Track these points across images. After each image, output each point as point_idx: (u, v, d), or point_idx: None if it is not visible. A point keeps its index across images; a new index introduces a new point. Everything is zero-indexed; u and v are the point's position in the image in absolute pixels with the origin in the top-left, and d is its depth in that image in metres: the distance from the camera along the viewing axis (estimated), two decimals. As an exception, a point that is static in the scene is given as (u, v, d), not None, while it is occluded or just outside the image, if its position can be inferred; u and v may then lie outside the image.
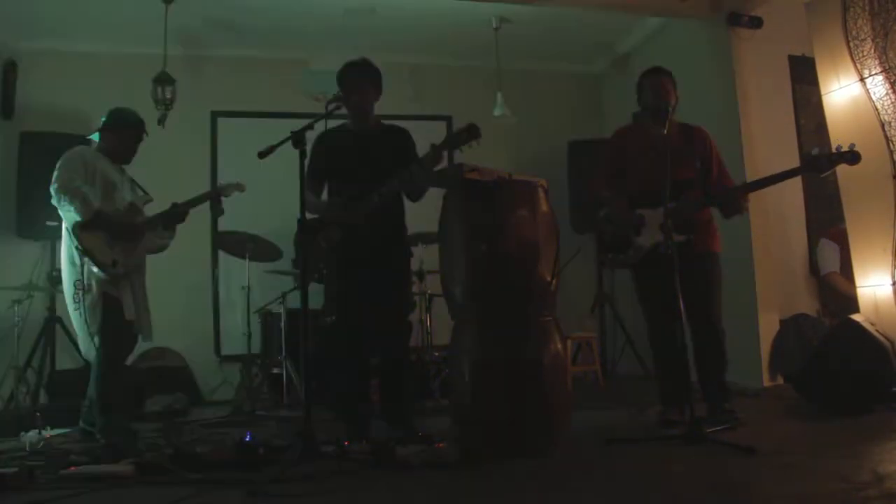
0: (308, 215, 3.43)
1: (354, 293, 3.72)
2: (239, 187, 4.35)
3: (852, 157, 3.41)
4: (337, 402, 4.04)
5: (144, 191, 4.25)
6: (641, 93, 3.92)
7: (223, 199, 4.32)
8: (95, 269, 3.77)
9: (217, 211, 4.33)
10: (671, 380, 3.84)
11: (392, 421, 3.70)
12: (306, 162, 3.33)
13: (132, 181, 4.21)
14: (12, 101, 6.08)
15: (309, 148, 3.37)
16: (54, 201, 3.80)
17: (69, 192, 3.75)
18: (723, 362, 3.84)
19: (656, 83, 3.85)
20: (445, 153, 3.59)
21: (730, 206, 3.82)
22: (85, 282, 3.79)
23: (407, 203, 3.89)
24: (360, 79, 3.77)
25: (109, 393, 3.82)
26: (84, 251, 3.76)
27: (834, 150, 3.46)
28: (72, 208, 3.76)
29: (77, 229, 3.78)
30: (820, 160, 3.46)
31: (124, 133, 4.09)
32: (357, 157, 3.75)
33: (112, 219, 3.87)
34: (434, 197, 3.65)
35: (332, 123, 3.73)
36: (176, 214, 4.14)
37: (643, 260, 3.82)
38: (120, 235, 3.88)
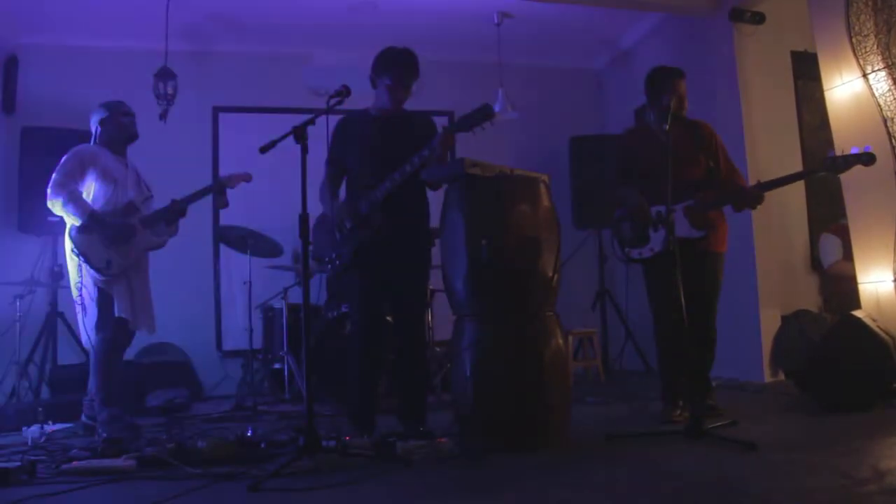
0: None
1: (373, 286, 3.64)
2: (245, 178, 4.25)
3: (868, 158, 3.50)
4: (348, 397, 3.98)
5: (148, 186, 4.26)
6: (660, 92, 3.89)
7: (228, 190, 4.25)
8: (92, 270, 3.87)
9: (221, 203, 4.27)
10: (676, 377, 3.85)
11: (407, 417, 3.60)
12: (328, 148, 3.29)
13: (137, 175, 4.22)
14: (14, 96, 6.09)
15: (329, 133, 3.32)
16: (49, 203, 3.90)
17: (62, 194, 3.85)
18: (711, 361, 3.92)
19: (682, 91, 3.87)
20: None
21: (743, 204, 3.84)
22: (83, 280, 3.90)
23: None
24: (412, 74, 3.71)
25: (109, 387, 3.86)
26: (80, 254, 3.86)
27: (850, 152, 3.53)
28: (65, 212, 3.87)
29: (73, 232, 3.90)
30: (837, 161, 3.55)
31: (114, 118, 4.14)
32: (379, 143, 3.63)
33: (106, 221, 3.91)
34: (436, 192, 3.64)
35: (333, 118, 3.67)
36: (175, 211, 4.15)
37: (656, 257, 3.83)
38: (114, 237, 3.92)
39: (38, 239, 5.86)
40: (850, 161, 3.51)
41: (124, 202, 4.05)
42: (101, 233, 3.90)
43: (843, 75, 4.45)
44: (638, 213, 3.90)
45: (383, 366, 3.85)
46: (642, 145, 3.98)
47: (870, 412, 3.64)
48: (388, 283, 3.64)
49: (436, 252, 3.73)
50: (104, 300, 3.91)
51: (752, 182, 4.04)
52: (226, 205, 4.29)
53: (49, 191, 3.89)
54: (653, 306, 3.99)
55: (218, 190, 4.22)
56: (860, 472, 2.41)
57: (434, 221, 3.72)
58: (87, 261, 3.86)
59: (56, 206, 3.88)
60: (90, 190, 3.99)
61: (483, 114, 3.32)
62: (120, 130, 4.15)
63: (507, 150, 6.64)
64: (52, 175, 3.92)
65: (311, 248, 3.71)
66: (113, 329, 3.92)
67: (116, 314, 3.91)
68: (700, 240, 3.74)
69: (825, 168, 3.60)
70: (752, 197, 3.78)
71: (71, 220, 3.90)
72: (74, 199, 3.86)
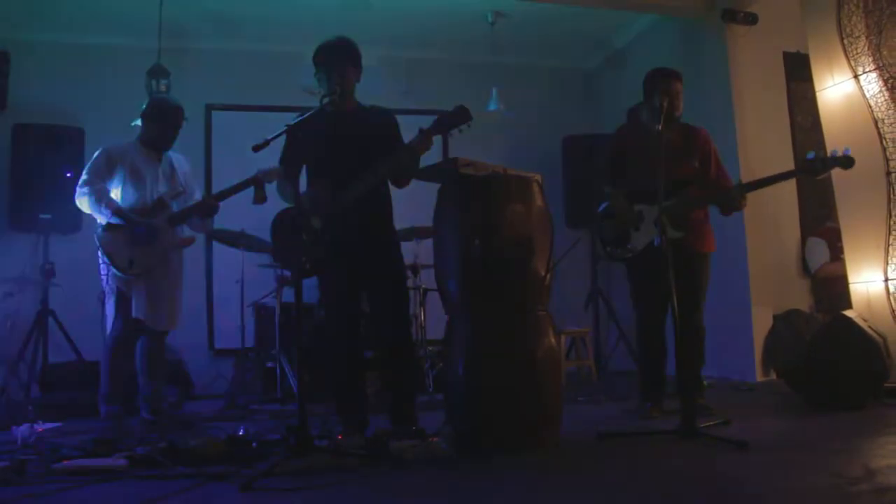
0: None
1: (344, 284, 3.63)
2: (280, 173, 3.92)
3: (846, 161, 3.48)
4: (333, 397, 3.98)
5: (183, 182, 4.20)
6: (653, 92, 3.93)
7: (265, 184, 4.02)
8: (114, 269, 3.88)
9: (259, 197, 3.91)
10: (655, 374, 3.98)
11: (397, 418, 3.55)
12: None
13: (172, 169, 4.18)
14: (5, 92, 6.05)
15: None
16: (77, 201, 3.95)
17: (92, 192, 3.89)
18: (701, 359, 3.96)
19: (673, 90, 3.89)
20: (437, 142, 3.49)
21: (728, 205, 3.87)
22: (107, 279, 3.95)
23: (399, 194, 3.73)
24: (342, 61, 3.59)
25: (112, 386, 3.93)
26: (104, 253, 3.89)
27: (829, 155, 3.52)
28: (89, 203, 3.90)
29: (99, 230, 3.93)
30: (815, 163, 3.52)
31: (163, 122, 4.11)
32: (336, 139, 3.57)
33: (131, 219, 3.91)
34: (428, 191, 3.63)
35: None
36: (205, 206, 4.10)
37: (640, 255, 3.87)
38: (137, 236, 3.92)
39: (30, 236, 5.84)
40: (828, 164, 3.49)
41: (153, 199, 4.04)
42: (125, 232, 3.91)
43: (834, 76, 4.47)
44: (620, 215, 3.95)
45: (367, 364, 3.83)
46: (634, 142, 4.03)
47: (861, 411, 3.66)
48: (362, 281, 3.63)
49: (429, 251, 3.72)
50: (121, 301, 3.93)
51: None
52: (264, 199, 3.88)
53: (77, 189, 3.93)
54: (635, 305, 4.08)
55: (256, 185, 3.97)
56: (852, 471, 2.42)
57: (426, 221, 3.71)
58: (110, 260, 3.87)
59: (83, 205, 3.93)
60: (119, 188, 4.01)
61: (460, 116, 3.29)
62: (157, 138, 4.12)
63: (501, 149, 6.64)
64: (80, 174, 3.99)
65: (276, 252, 3.71)
66: (124, 329, 3.95)
67: (134, 315, 3.91)
68: (682, 240, 3.75)
69: (804, 170, 3.59)
70: (734, 197, 3.80)
71: (98, 219, 3.95)
72: (100, 198, 3.89)
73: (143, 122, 4.15)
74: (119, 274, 3.89)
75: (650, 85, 3.97)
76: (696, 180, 3.91)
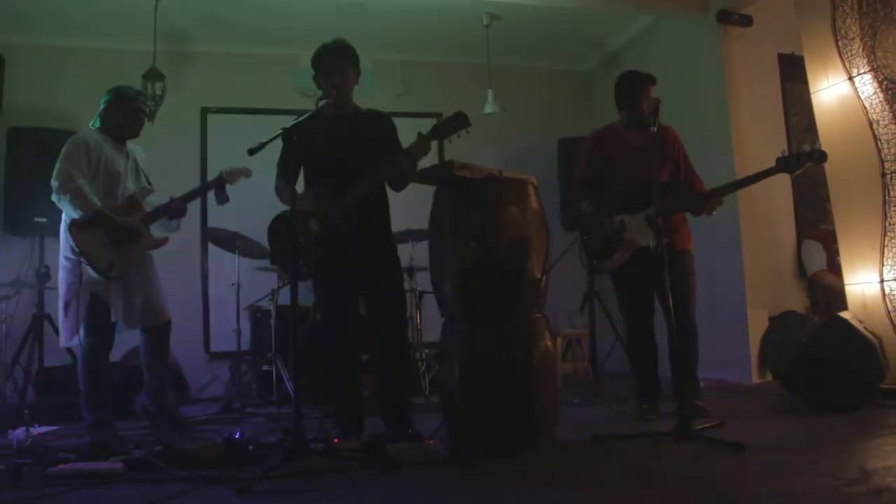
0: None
1: (342, 287, 3.63)
2: (245, 173, 4.05)
3: (819, 156, 3.52)
4: (329, 400, 3.98)
5: (148, 179, 4.08)
6: (630, 97, 3.94)
7: (228, 186, 4.05)
8: (91, 271, 3.67)
9: (221, 199, 4.05)
10: (649, 376, 3.99)
11: (392, 421, 3.56)
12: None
13: (137, 166, 4.05)
14: (0, 96, 6.04)
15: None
16: (54, 197, 3.70)
17: (69, 191, 3.64)
18: (696, 359, 3.96)
19: (649, 94, 3.89)
20: (433, 143, 3.48)
21: (700, 208, 3.89)
22: (79, 280, 3.71)
23: (394, 197, 3.73)
24: (342, 62, 3.61)
25: (95, 391, 3.78)
26: (81, 253, 3.66)
27: (803, 150, 3.58)
28: (70, 207, 3.66)
29: (73, 228, 3.68)
30: (789, 160, 3.57)
31: (127, 108, 3.97)
32: (335, 142, 3.57)
33: (112, 219, 3.72)
34: (424, 194, 3.63)
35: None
36: (173, 209, 3.98)
37: (624, 263, 3.89)
38: (118, 238, 3.74)
39: (24, 240, 5.83)
40: (802, 160, 3.53)
41: (125, 197, 3.88)
42: (104, 232, 3.70)
43: (829, 78, 4.48)
44: (602, 229, 3.95)
45: (363, 366, 3.83)
46: (609, 149, 4.02)
47: (856, 412, 3.66)
48: (360, 285, 3.62)
49: (424, 253, 3.72)
50: (97, 304, 3.73)
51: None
52: (227, 200, 4.05)
53: (55, 183, 3.67)
54: (625, 311, 4.11)
55: (219, 186, 4.02)
56: (847, 473, 2.42)
57: (421, 223, 3.71)
58: (88, 261, 3.64)
59: (62, 202, 3.67)
60: (93, 183, 3.77)
61: (459, 122, 3.31)
62: (123, 126, 3.96)
63: (496, 151, 6.64)
64: (56, 165, 3.69)
65: (273, 254, 3.69)
66: (102, 334, 3.79)
67: (113, 319, 3.77)
68: (667, 243, 3.76)
69: (779, 168, 3.62)
70: (707, 201, 3.81)
71: (72, 215, 3.69)
72: (82, 196, 3.65)
73: (105, 111, 3.95)
74: (95, 276, 3.67)
75: (633, 89, 3.96)
76: (673, 182, 3.95)
